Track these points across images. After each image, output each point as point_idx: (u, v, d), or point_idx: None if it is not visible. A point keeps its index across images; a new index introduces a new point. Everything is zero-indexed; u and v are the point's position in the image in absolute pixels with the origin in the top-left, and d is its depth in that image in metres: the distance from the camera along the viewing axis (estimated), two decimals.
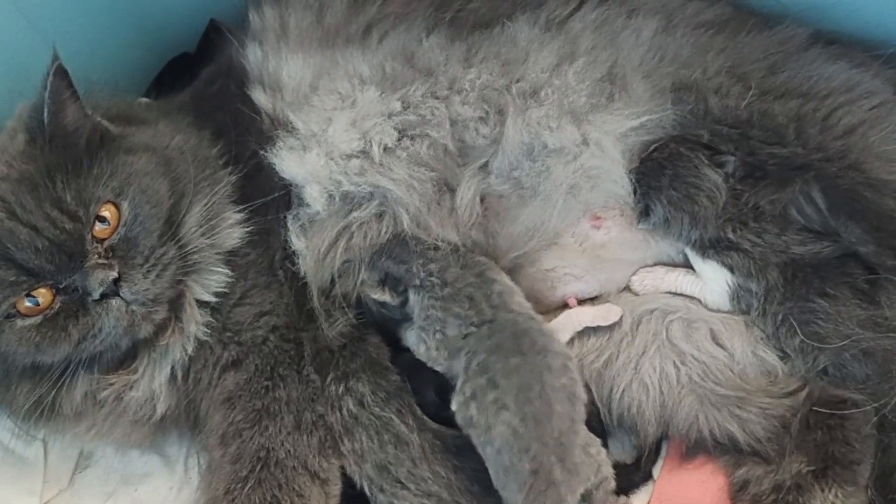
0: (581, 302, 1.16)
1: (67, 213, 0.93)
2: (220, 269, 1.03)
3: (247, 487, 0.98)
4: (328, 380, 1.05)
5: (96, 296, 0.93)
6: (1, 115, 1.06)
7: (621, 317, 1.11)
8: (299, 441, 1.01)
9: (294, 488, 0.99)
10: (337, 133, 1.09)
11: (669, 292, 1.13)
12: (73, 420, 1.02)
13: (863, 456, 1.02)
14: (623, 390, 1.08)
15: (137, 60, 1.35)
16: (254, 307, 1.05)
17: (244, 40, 1.18)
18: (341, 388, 1.05)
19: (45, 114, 0.94)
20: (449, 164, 1.11)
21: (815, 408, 1.04)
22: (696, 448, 1.08)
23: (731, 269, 1.08)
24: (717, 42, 1.13)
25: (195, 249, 1.00)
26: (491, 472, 0.95)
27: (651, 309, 1.12)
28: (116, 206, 0.96)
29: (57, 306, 0.94)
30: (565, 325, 1.11)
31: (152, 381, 1.01)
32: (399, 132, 1.10)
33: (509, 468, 0.92)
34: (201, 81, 1.20)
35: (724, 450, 1.06)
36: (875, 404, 1.02)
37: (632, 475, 1.10)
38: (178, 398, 1.04)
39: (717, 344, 1.09)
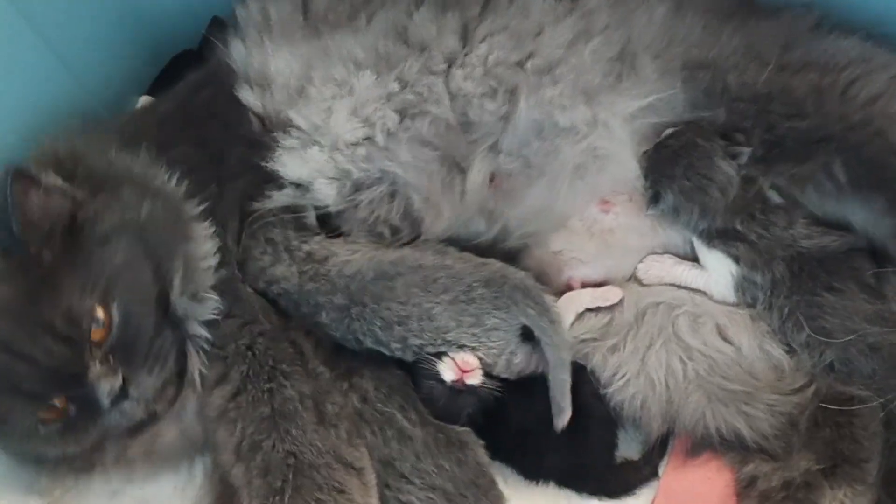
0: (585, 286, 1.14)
1: (61, 338, 0.91)
2: (211, 298, 1.02)
3: (286, 498, 0.94)
4: (333, 375, 1.04)
5: (107, 405, 0.93)
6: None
7: (622, 299, 1.10)
8: (326, 435, 0.98)
9: (334, 486, 0.95)
10: (339, 123, 1.08)
11: (674, 284, 1.12)
12: (102, 476, 1.02)
13: (871, 454, 1.01)
14: (628, 381, 1.07)
15: (139, 58, 1.34)
16: (237, 319, 1.03)
17: (228, 38, 1.16)
18: (345, 385, 1.04)
19: (14, 225, 0.92)
20: (453, 141, 1.09)
21: (823, 405, 1.03)
22: (701, 444, 1.07)
23: (737, 260, 1.07)
24: (730, 25, 1.12)
25: (187, 316, 0.99)
26: None
27: (657, 302, 1.11)
28: (105, 307, 0.93)
29: (73, 412, 0.93)
30: (567, 307, 1.11)
31: (178, 425, 1.02)
32: (399, 114, 1.08)
33: None
34: (186, 88, 1.17)
35: (730, 446, 1.05)
36: (881, 400, 1.01)
37: (638, 471, 1.09)
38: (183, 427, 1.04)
39: (724, 339, 1.08)
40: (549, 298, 1.07)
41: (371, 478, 0.99)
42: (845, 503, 1.01)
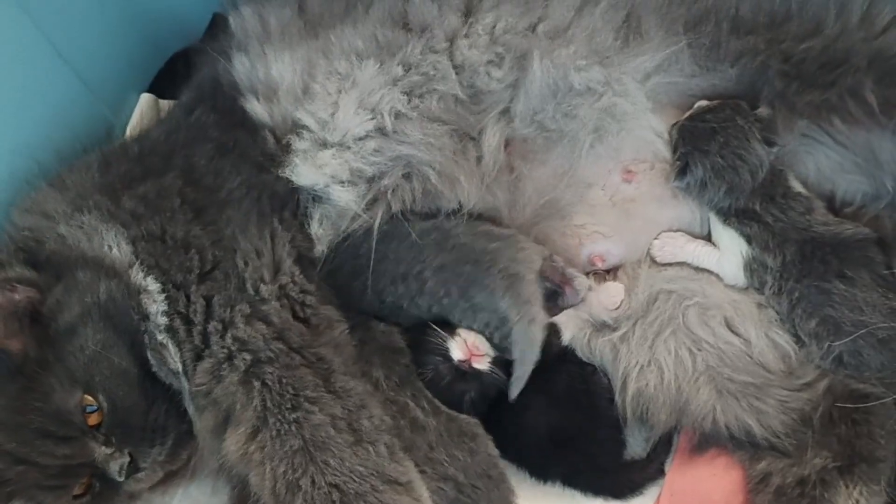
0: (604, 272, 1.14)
1: (60, 439, 0.93)
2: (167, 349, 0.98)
3: None
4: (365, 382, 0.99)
5: (122, 479, 0.95)
6: None
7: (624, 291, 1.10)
8: (366, 455, 0.91)
9: None
10: (347, 117, 1.07)
11: (686, 263, 1.10)
12: None
13: (888, 453, 0.99)
14: (639, 371, 1.05)
15: (141, 55, 1.34)
16: (208, 360, 0.96)
17: (229, 52, 1.14)
18: (359, 374, 0.99)
19: None
20: (463, 114, 1.08)
21: (837, 403, 1.00)
22: (708, 441, 1.04)
23: (749, 240, 1.05)
24: None
25: (179, 378, 0.96)
26: None
27: (668, 290, 1.09)
28: (93, 394, 0.94)
29: (97, 488, 0.96)
30: (569, 326, 1.11)
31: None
32: (407, 95, 1.07)
33: None
34: (180, 109, 1.16)
35: (739, 444, 1.03)
36: (893, 396, 0.98)
37: (644, 470, 1.07)
38: None
39: (732, 331, 1.06)
40: (530, 294, 1.03)
41: (421, 489, 0.93)
42: (861, 502, 0.98)
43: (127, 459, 0.94)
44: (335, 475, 0.88)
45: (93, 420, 0.94)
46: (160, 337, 0.96)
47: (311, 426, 0.91)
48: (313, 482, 0.88)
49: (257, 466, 0.91)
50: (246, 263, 0.99)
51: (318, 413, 0.92)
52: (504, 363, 1.05)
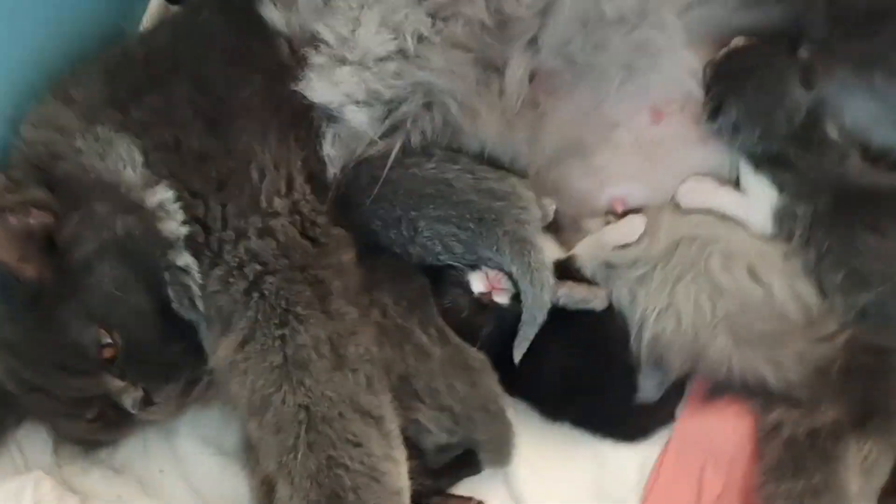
0: (624, 213, 1.10)
1: (76, 372, 0.93)
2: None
3: (298, 456, 0.87)
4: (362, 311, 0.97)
5: (135, 412, 0.95)
6: None
7: (646, 224, 1.07)
8: (343, 381, 0.90)
9: (348, 439, 0.88)
10: (368, 36, 1.02)
11: (712, 209, 1.07)
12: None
13: None
14: (657, 316, 1.03)
15: None
16: (221, 267, 0.95)
17: None
18: (366, 301, 0.98)
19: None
20: (488, 41, 1.03)
21: (857, 355, 0.99)
22: (721, 389, 1.03)
23: (781, 188, 1.02)
24: None
25: (199, 307, 0.95)
26: None
27: (692, 236, 1.06)
28: (108, 330, 0.92)
29: (111, 414, 0.96)
30: (589, 252, 1.07)
31: None
32: (431, 17, 1.02)
33: None
34: (187, 9, 1.11)
35: (753, 392, 1.01)
36: None
37: (655, 414, 1.06)
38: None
39: (755, 279, 1.03)
40: (538, 257, 1.02)
41: (392, 426, 0.92)
42: (869, 458, 0.98)
43: (141, 394, 0.94)
44: (307, 397, 0.89)
45: (108, 353, 0.92)
46: (182, 261, 0.93)
47: (294, 345, 0.90)
48: (283, 400, 0.89)
49: (239, 376, 0.91)
50: (262, 175, 0.96)
51: (303, 333, 0.91)
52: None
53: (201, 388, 0.98)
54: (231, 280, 0.93)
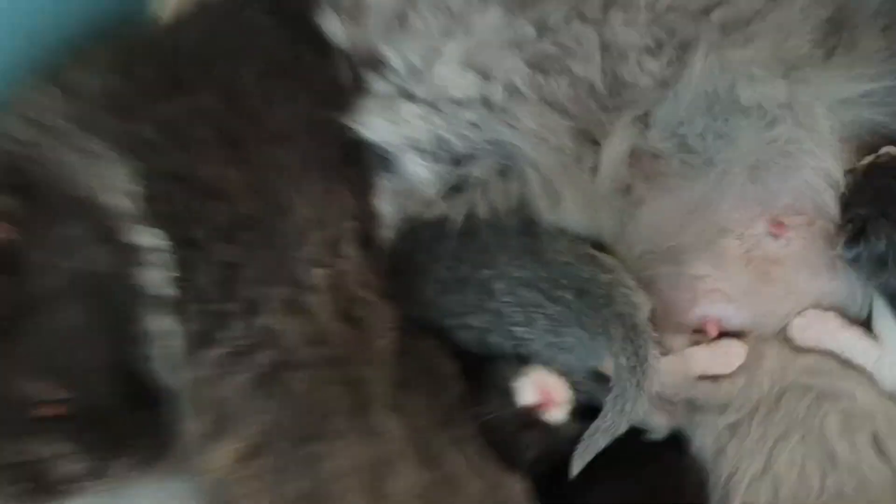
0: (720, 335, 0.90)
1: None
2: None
3: None
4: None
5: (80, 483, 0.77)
6: None
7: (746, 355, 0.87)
8: None
9: None
10: (447, 71, 0.85)
11: (832, 353, 0.88)
12: None
13: None
14: (749, 480, 0.83)
15: None
16: (221, 346, 0.77)
17: None
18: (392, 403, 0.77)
19: None
20: (593, 109, 0.85)
21: None
22: None
23: None
24: None
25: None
26: None
27: (805, 385, 0.86)
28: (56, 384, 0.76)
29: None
30: (675, 372, 0.86)
31: None
32: (531, 67, 0.85)
33: None
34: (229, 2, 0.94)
35: None
36: None
37: None
38: None
39: (881, 453, 0.83)
40: (652, 353, 0.81)
41: None
42: None
43: (86, 465, 0.74)
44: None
45: (54, 411, 0.74)
46: (166, 323, 0.75)
47: (330, 468, 0.70)
48: None
49: (246, 497, 0.71)
50: (299, 230, 0.77)
51: (339, 455, 0.71)
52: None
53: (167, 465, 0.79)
54: (235, 367, 0.72)
